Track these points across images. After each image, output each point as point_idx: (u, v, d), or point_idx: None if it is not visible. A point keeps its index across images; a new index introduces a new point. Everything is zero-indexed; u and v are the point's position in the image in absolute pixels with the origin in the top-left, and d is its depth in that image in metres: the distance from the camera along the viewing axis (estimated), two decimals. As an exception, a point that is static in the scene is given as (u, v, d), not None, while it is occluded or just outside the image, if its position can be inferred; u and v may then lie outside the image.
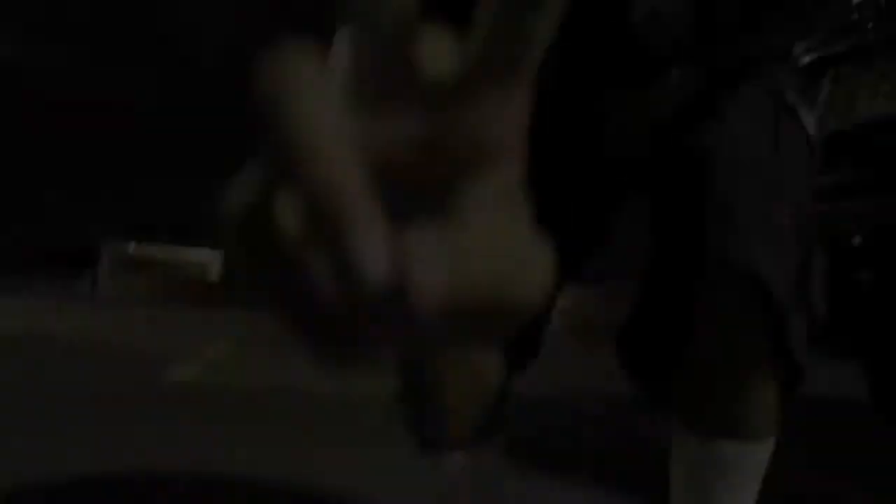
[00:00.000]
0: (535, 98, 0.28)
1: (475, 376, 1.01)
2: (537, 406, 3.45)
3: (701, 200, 0.93)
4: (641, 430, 2.99)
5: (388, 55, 0.24)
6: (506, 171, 0.25)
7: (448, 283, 0.22)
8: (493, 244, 0.24)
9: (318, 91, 0.21)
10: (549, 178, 0.97)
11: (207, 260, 52.97)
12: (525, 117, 0.25)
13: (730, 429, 0.96)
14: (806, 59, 2.28)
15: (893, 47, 2.07)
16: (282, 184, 0.22)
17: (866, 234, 2.01)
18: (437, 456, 1.04)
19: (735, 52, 1.00)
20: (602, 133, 1.03)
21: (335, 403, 3.35)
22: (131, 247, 50.32)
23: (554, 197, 0.97)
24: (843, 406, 3.50)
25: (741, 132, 0.97)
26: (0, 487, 1.81)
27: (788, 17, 1.00)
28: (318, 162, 0.20)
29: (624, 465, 2.45)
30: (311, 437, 2.62)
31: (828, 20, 1.10)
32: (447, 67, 0.25)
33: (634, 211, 1.09)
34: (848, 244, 2.04)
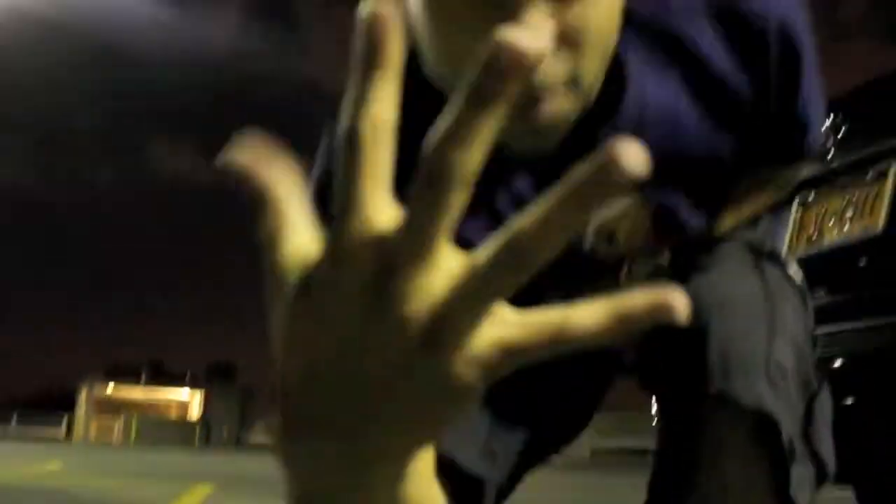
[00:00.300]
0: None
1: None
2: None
3: (700, 347, 0.92)
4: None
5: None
6: None
7: None
8: None
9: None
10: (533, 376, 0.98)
11: (187, 399, 52.15)
12: None
13: None
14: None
15: (857, 173, 2.13)
16: None
17: (845, 359, 2.02)
18: None
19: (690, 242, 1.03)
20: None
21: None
22: (109, 387, 49.52)
23: (541, 389, 1.03)
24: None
25: (728, 275, 0.98)
26: None
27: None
28: None
29: None
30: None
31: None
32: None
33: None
34: (827, 370, 2.04)
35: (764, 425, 0.87)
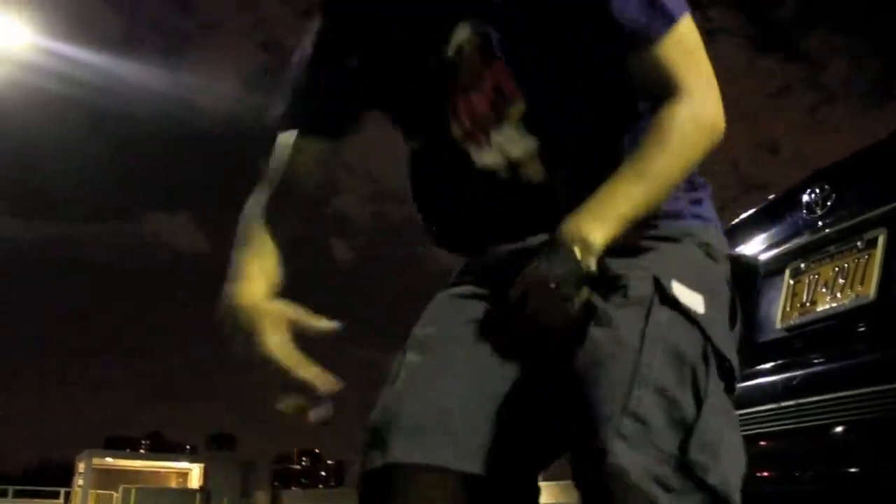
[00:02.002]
0: None
1: None
2: None
3: (575, 406, 1.03)
4: None
5: None
6: None
7: None
8: None
9: None
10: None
11: (188, 468, 51.52)
12: None
13: None
14: (764, 256, 2.37)
15: (846, 241, 2.16)
16: None
17: (843, 426, 2.01)
18: None
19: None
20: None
21: None
22: (108, 458, 48.92)
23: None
24: None
25: (613, 329, 1.06)
26: None
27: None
28: None
29: None
30: None
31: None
32: None
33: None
34: (826, 438, 2.03)
35: (613, 476, 0.94)
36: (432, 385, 1.15)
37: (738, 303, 1.25)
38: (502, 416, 1.16)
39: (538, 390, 1.17)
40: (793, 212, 2.33)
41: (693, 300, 1.10)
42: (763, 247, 2.45)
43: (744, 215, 2.57)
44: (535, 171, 1.26)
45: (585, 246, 1.09)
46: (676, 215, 1.24)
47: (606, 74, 1.21)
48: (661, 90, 1.17)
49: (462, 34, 1.25)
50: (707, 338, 1.08)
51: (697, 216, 1.27)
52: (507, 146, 1.26)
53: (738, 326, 1.23)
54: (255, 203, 1.36)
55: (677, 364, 1.03)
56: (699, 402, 1.01)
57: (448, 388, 1.15)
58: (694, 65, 1.19)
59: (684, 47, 1.19)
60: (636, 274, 1.12)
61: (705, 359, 1.06)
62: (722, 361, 1.09)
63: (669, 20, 1.16)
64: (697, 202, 1.28)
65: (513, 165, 1.27)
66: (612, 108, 1.24)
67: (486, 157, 1.29)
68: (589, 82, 1.23)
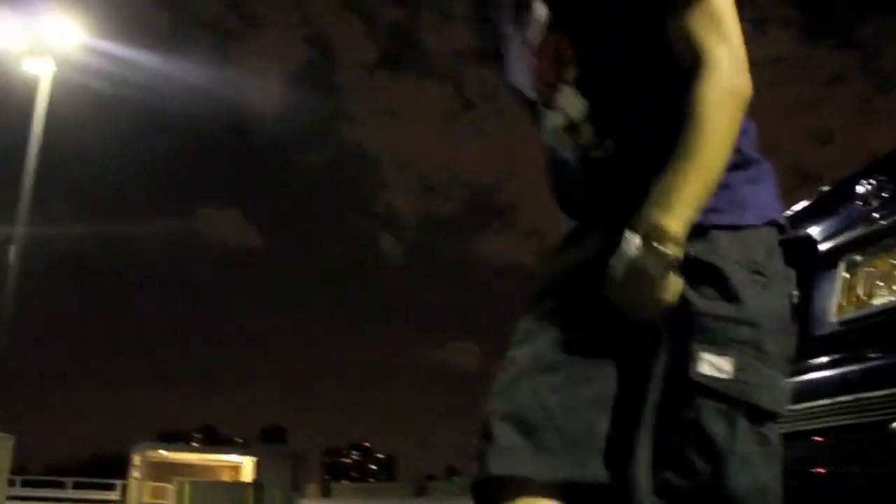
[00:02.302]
0: None
1: None
2: None
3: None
4: None
5: None
6: None
7: None
8: None
9: None
10: None
11: (240, 462, 52.16)
12: None
13: None
14: (820, 248, 2.33)
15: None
16: None
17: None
18: None
19: None
20: None
21: None
22: (163, 452, 49.75)
23: None
24: None
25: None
26: None
27: None
28: None
29: None
30: None
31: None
32: None
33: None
34: (884, 434, 2.00)
35: None
36: (537, 387, 1.23)
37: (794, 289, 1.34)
38: (602, 416, 1.24)
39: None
40: (847, 203, 2.28)
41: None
42: (817, 239, 2.40)
43: (797, 207, 2.52)
44: (588, 132, 1.36)
45: (666, 236, 1.18)
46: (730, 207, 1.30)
47: (647, 43, 1.31)
48: (691, 58, 1.26)
49: (538, 9, 1.40)
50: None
51: (752, 207, 1.31)
52: (566, 107, 1.38)
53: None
54: None
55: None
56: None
57: (549, 388, 1.23)
58: (721, 34, 1.26)
59: (711, 16, 1.26)
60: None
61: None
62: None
63: None
64: (752, 181, 1.33)
65: (572, 127, 1.38)
66: (653, 74, 1.32)
67: (553, 119, 1.41)
68: (631, 50, 1.33)
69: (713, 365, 1.20)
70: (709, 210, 1.24)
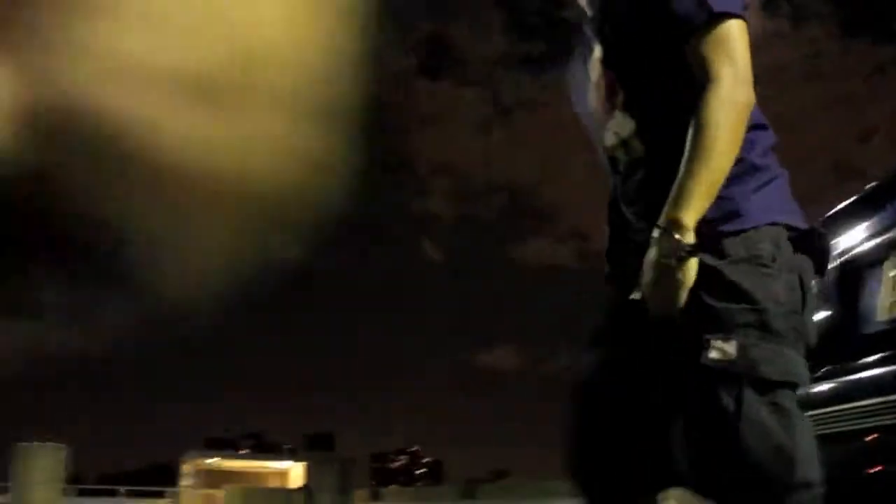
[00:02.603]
0: None
1: None
2: None
3: None
4: None
5: None
6: None
7: None
8: None
9: None
10: None
11: (289, 468, 52.61)
12: None
13: None
14: (863, 246, 2.31)
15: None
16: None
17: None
18: None
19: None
20: None
21: None
22: (213, 460, 50.39)
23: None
24: None
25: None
26: None
27: None
28: None
29: None
30: None
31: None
32: None
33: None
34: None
35: None
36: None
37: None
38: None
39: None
40: (892, 200, 2.26)
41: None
42: (862, 237, 2.38)
43: (840, 205, 2.51)
44: (637, 147, 1.62)
45: (680, 226, 1.44)
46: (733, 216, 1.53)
47: (674, 66, 1.56)
48: (701, 77, 1.51)
49: (596, 49, 1.73)
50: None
51: (755, 212, 1.53)
52: (618, 129, 1.65)
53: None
54: None
55: None
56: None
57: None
58: (727, 54, 1.51)
59: (719, 39, 1.52)
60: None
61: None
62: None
63: (709, 14, 1.51)
64: (758, 188, 1.55)
65: (624, 144, 1.65)
66: (680, 92, 1.54)
67: (608, 140, 1.69)
68: (664, 73, 1.59)
69: (720, 350, 1.43)
70: (716, 220, 1.49)
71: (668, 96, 1.59)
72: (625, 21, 1.65)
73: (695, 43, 1.52)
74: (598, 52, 1.71)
